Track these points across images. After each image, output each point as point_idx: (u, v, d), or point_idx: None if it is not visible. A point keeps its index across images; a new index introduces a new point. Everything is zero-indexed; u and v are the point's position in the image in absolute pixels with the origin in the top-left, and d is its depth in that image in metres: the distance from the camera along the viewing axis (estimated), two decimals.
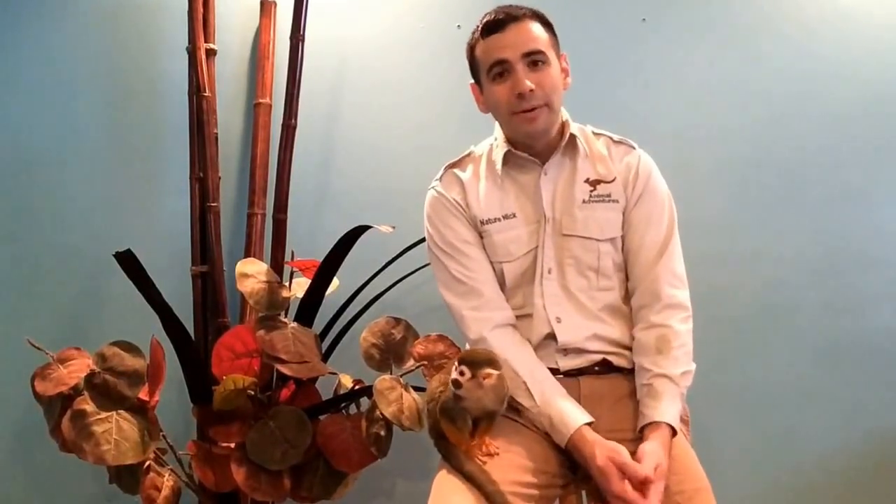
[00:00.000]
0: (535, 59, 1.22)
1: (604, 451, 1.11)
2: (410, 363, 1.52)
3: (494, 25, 1.23)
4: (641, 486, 1.08)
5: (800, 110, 1.89)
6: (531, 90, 1.20)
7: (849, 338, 1.86)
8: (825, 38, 1.91)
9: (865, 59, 1.90)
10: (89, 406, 1.36)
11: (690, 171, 1.83)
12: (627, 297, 1.31)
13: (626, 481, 1.09)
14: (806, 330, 1.86)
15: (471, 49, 1.29)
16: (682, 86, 1.90)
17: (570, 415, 1.17)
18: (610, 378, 1.27)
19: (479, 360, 1.13)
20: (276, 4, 1.86)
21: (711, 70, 1.90)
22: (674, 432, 1.17)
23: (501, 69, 1.23)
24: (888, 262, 1.88)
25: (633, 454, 1.12)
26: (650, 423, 1.16)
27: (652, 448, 1.13)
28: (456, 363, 1.13)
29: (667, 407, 1.17)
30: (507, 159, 1.30)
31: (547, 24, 1.27)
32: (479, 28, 1.26)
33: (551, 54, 1.24)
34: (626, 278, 1.30)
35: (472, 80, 1.33)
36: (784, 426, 1.85)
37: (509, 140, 1.30)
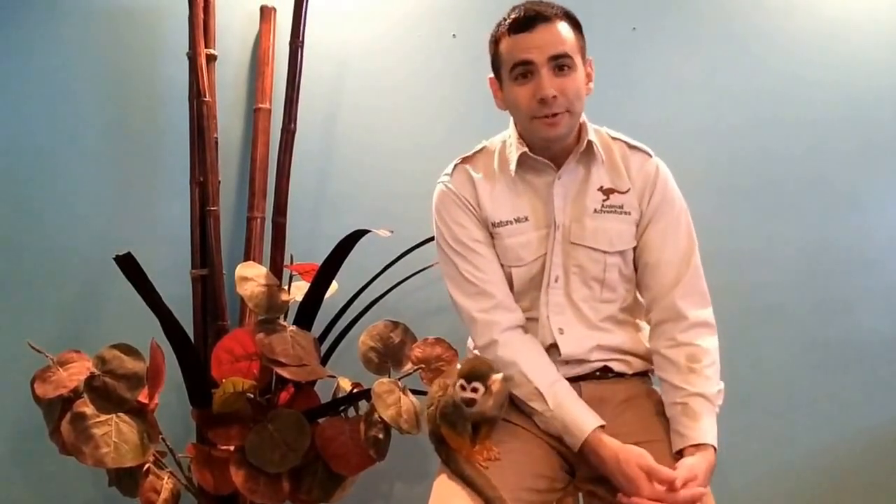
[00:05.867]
0: (561, 64, 1.17)
1: (630, 458, 1.10)
2: (408, 366, 1.53)
3: (524, 23, 1.18)
4: (669, 491, 1.07)
5: (789, 114, 1.91)
6: (554, 97, 1.17)
7: (837, 338, 1.88)
8: (813, 44, 1.93)
9: (853, 64, 1.92)
10: (89, 409, 1.36)
11: (679, 177, 1.81)
12: (631, 307, 1.30)
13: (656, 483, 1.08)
14: (794, 330, 1.88)
15: (495, 42, 1.23)
16: (672, 94, 1.91)
17: (584, 418, 1.16)
18: (610, 382, 1.26)
19: (484, 372, 1.13)
20: (275, 10, 1.87)
21: (701, 78, 1.91)
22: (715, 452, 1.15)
23: (525, 70, 1.18)
24: (876, 263, 1.90)
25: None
26: (693, 445, 1.14)
27: (692, 462, 1.11)
28: (462, 381, 1.13)
29: (708, 427, 1.15)
30: (522, 161, 1.26)
31: (577, 26, 1.22)
32: (507, 23, 1.20)
33: (577, 59, 1.20)
34: (636, 289, 1.29)
35: (492, 74, 1.27)
36: (772, 426, 1.87)
37: (525, 140, 1.25)
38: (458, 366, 1.20)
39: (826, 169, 1.91)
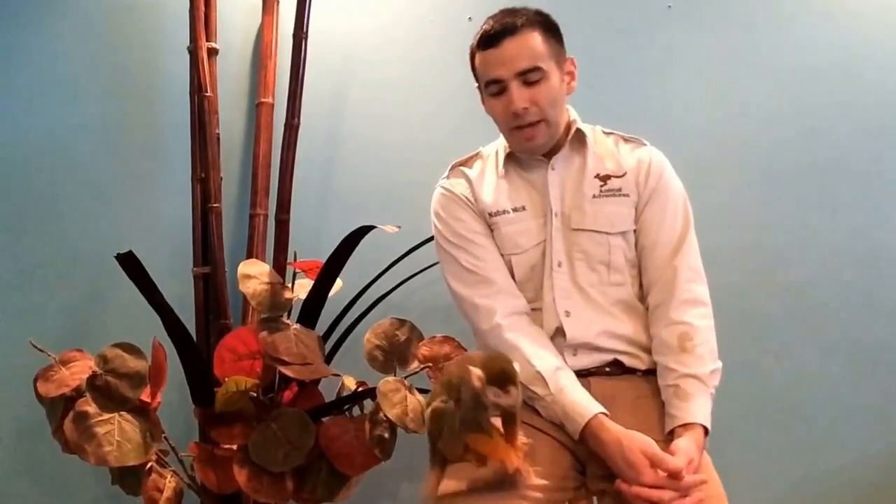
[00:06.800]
0: (529, 77, 1.21)
1: (634, 444, 1.09)
2: (415, 365, 1.52)
3: (490, 39, 1.22)
4: (672, 479, 1.07)
5: (836, 100, 1.80)
6: (525, 108, 1.21)
7: (885, 342, 1.75)
8: (864, 22, 1.81)
9: None
10: (91, 407, 1.36)
11: (719, 164, 1.76)
12: (641, 294, 1.30)
13: (659, 472, 1.07)
14: (838, 333, 1.76)
15: (472, 55, 1.29)
16: (710, 75, 1.83)
17: (586, 403, 1.16)
18: (622, 379, 1.25)
19: (511, 372, 1.03)
20: (278, 1, 1.85)
21: (740, 58, 1.82)
22: (706, 433, 1.15)
23: (497, 88, 1.23)
24: None
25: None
26: (682, 425, 1.15)
27: (685, 444, 1.11)
28: (496, 389, 1.02)
29: (698, 407, 1.15)
30: (514, 157, 1.31)
31: (548, 29, 1.24)
32: (478, 37, 1.25)
33: (549, 65, 1.22)
34: (640, 275, 1.29)
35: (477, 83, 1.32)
36: (812, 436, 1.75)
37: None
38: (468, 364, 1.14)
39: (878, 159, 1.78)
